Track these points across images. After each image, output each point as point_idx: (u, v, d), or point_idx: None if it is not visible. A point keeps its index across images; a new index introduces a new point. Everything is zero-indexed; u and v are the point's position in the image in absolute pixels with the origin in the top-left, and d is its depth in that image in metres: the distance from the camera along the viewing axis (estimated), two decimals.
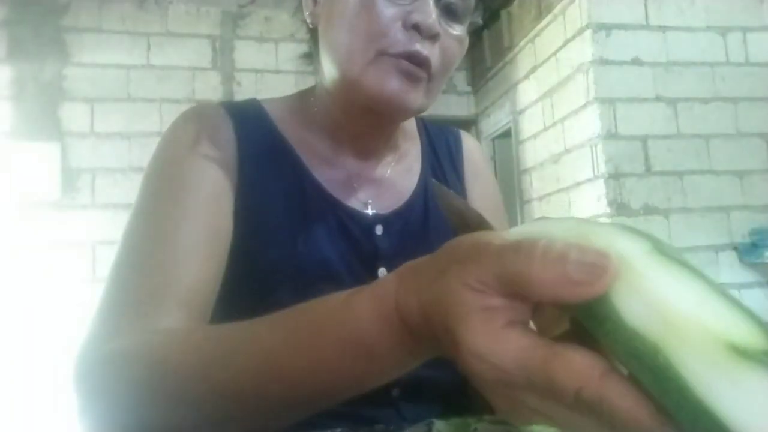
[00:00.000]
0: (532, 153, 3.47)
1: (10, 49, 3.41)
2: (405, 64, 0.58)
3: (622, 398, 0.23)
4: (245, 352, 0.39)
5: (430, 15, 0.57)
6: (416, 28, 0.58)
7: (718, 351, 0.21)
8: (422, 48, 0.58)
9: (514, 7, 3.59)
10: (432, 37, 0.59)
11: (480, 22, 0.64)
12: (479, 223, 0.42)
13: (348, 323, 0.35)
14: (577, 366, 0.24)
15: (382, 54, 0.58)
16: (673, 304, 0.22)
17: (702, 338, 0.21)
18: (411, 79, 0.59)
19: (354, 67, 0.59)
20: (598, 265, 0.24)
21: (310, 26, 0.66)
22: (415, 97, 0.60)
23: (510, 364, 0.26)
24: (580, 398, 0.24)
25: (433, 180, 0.71)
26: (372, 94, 0.59)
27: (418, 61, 0.58)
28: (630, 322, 0.23)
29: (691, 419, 0.21)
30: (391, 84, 0.58)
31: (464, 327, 0.27)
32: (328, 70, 0.63)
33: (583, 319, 0.26)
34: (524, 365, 0.26)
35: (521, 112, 3.61)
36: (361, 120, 0.65)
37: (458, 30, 0.62)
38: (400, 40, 0.58)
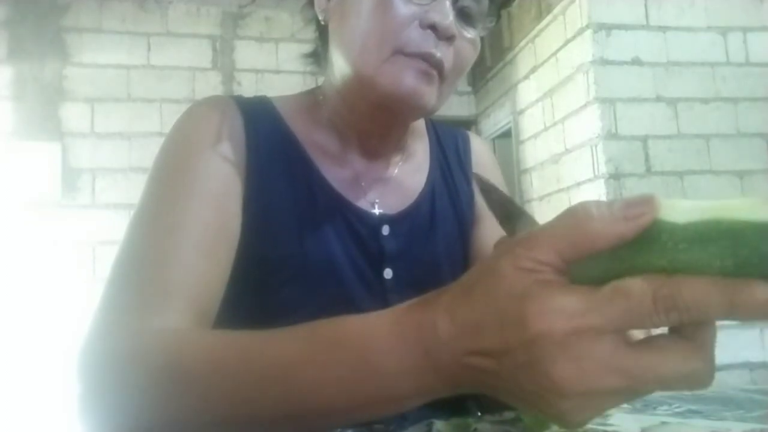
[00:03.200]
0: (532, 153, 3.47)
1: (11, 49, 3.41)
2: (421, 63, 0.58)
3: (697, 281, 0.27)
4: (259, 359, 0.39)
5: (448, 16, 0.57)
6: (433, 29, 0.57)
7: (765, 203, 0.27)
8: (437, 50, 0.58)
9: (514, 7, 3.59)
10: (448, 38, 0.58)
11: (492, 26, 0.64)
12: (521, 215, 0.42)
13: (362, 340, 0.36)
14: (644, 278, 0.28)
15: (397, 53, 0.58)
16: (709, 203, 0.28)
17: (748, 205, 0.27)
18: (426, 77, 0.58)
19: (369, 64, 0.58)
20: (643, 200, 0.29)
21: (322, 23, 0.66)
22: (429, 96, 0.59)
23: (584, 304, 0.28)
24: (658, 299, 0.27)
25: (475, 173, 0.71)
26: (387, 91, 0.58)
27: (432, 62, 0.58)
28: (687, 220, 0.28)
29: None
30: (406, 81, 0.58)
31: (527, 298, 0.29)
32: (340, 68, 0.63)
33: (631, 254, 0.29)
34: (597, 298, 0.28)
35: (521, 112, 3.61)
36: (370, 119, 0.65)
37: (472, 33, 0.62)
38: (415, 39, 0.57)
